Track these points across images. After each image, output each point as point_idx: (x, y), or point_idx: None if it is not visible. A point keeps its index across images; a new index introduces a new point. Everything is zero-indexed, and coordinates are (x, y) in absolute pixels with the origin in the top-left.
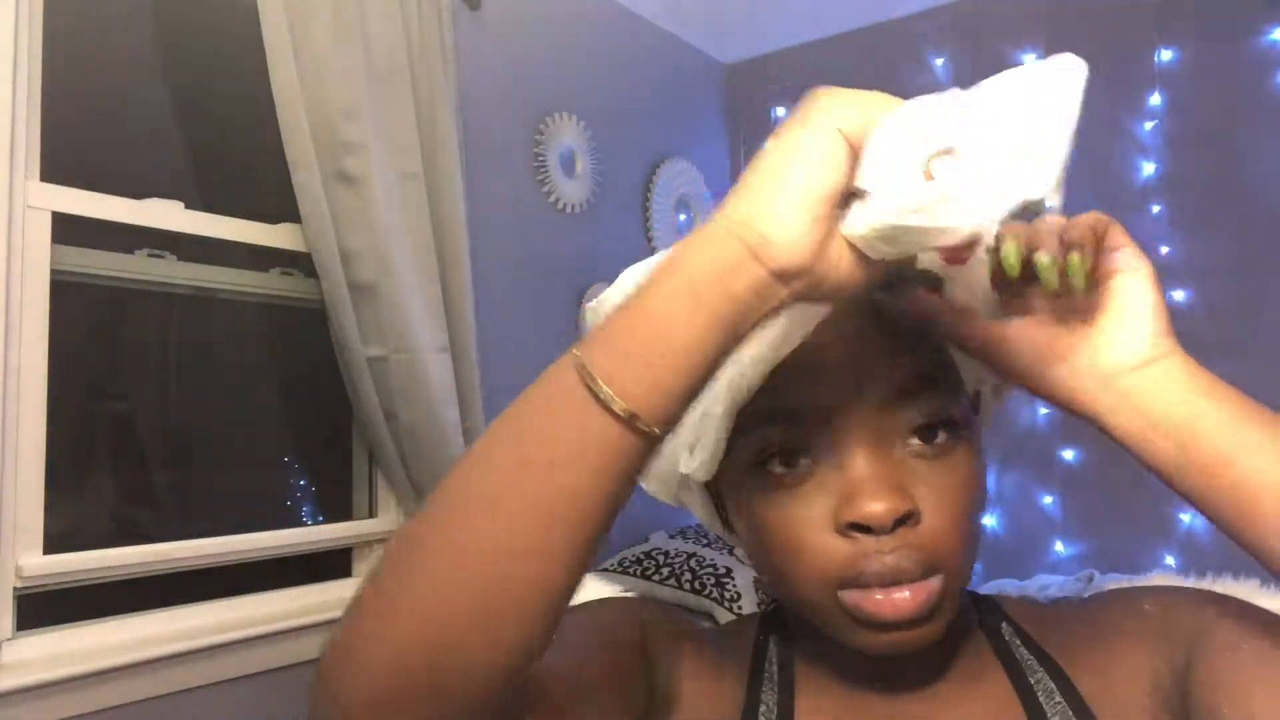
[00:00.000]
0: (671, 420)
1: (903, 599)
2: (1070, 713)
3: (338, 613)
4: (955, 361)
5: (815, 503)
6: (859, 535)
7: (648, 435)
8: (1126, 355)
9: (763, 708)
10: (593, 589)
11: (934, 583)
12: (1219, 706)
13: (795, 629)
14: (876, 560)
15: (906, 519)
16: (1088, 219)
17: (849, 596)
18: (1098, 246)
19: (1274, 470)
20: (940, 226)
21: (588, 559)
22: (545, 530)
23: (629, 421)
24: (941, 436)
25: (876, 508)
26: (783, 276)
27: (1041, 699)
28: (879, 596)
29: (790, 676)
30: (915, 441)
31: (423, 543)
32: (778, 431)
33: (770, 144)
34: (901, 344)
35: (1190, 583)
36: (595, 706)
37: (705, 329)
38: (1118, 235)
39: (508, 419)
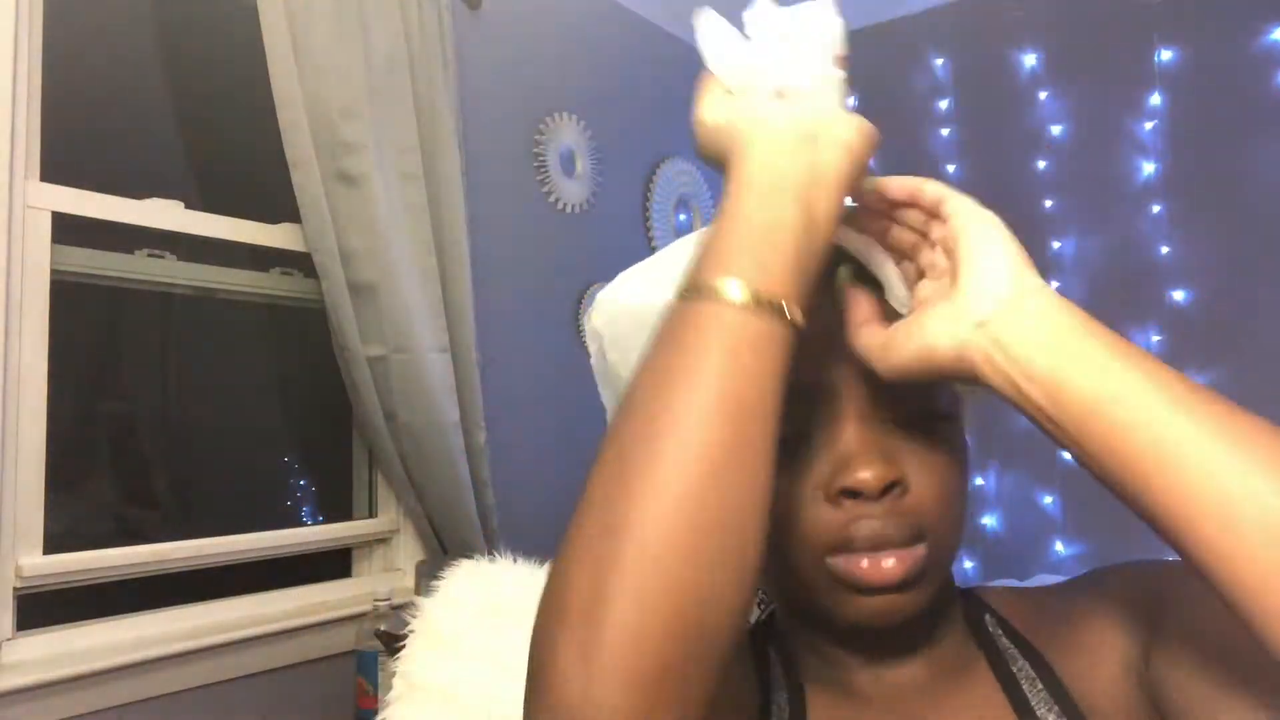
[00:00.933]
0: (806, 300)
1: (889, 565)
2: (1050, 698)
3: (338, 613)
4: None
5: (807, 475)
6: (849, 501)
7: (793, 323)
8: (989, 302)
9: (774, 707)
10: None
11: (919, 549)
12: (1185, 702)
13: (790, 631)
14: (866, 525)
15: (894, 486)
16: (908, 200)
17: (837, 562)
18: (930, 224)
19: (1146, 416)
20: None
21: (774, 459)
22: (744, 427)
23: (778, 311)
24: (929, 420)
25: (866, 474)
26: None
27: (1024, 686)
28: (865, 563)
29: (796, 678)
30: (905, 423)
31: (629, 484)
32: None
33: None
34: None
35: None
36: None
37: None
38: (944, 202)
39: (652, 369)
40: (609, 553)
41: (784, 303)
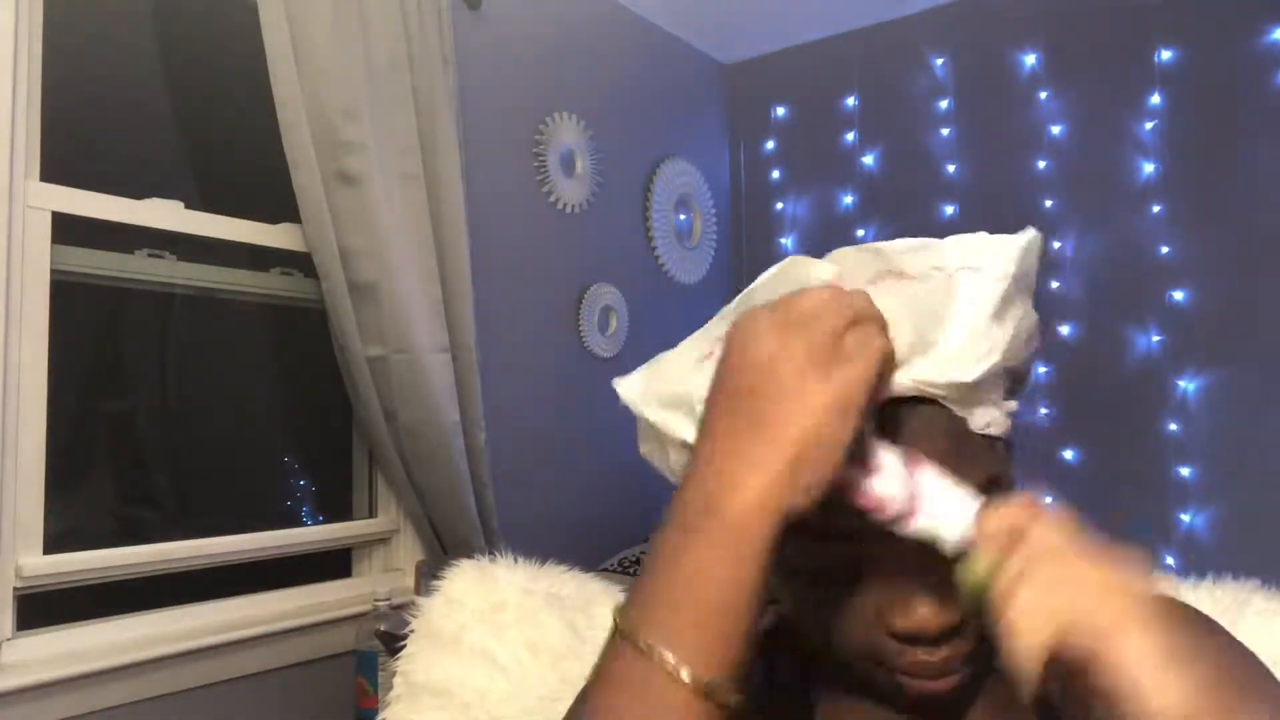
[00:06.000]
0: (743, 673)
1: (934, 685)
2: None
3: (338, 613)
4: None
5: (865, 604)
6: (907, 644)
7: (726, 704)
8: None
9: None
10: (595, 589)
11: (968, 671)
12: None
13: (808, 655)
14: (923, 662)
15: (953, 634)
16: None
17: (887, 675)
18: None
19: None
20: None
21: None
22: None
23: (708, 694)
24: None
25: (927, 623)
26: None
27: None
28: (914, 683)
29: (807, 697)
30: None
31: None
32: (833, 548)
33: None
34: (968, 456)
35: (1189, 584)
36: None
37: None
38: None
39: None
40: None
41: (728, 690)
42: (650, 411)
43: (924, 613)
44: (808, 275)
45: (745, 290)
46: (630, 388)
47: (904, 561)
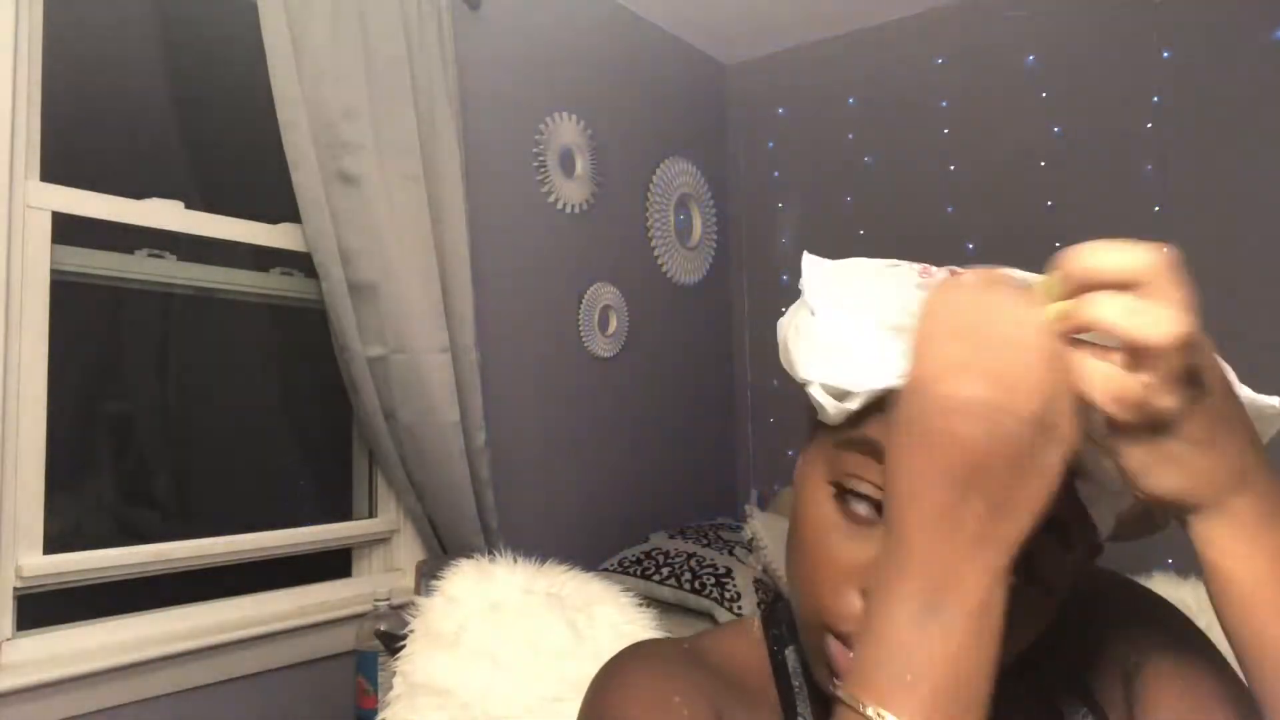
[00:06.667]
0: None
1: None
2: (1079, 700)
3: (338, 613)
4: (1089, 516)
5: (863, 554)
6: None
7: None
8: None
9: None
10: (596, 589)
11: None
12: None
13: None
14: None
15: None
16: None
17: (832, 645)
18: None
19: None
20: None
21: None
22: None
23: None
24: (1035, 584)
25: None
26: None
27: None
28: (852, 655)
29: (819, 688)
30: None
31: None
32: (875, 469)
33: None
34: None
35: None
36: None
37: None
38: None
39: None
40: None
41: None
42: (859, 325)
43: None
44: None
45: (825, 278)
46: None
47: None
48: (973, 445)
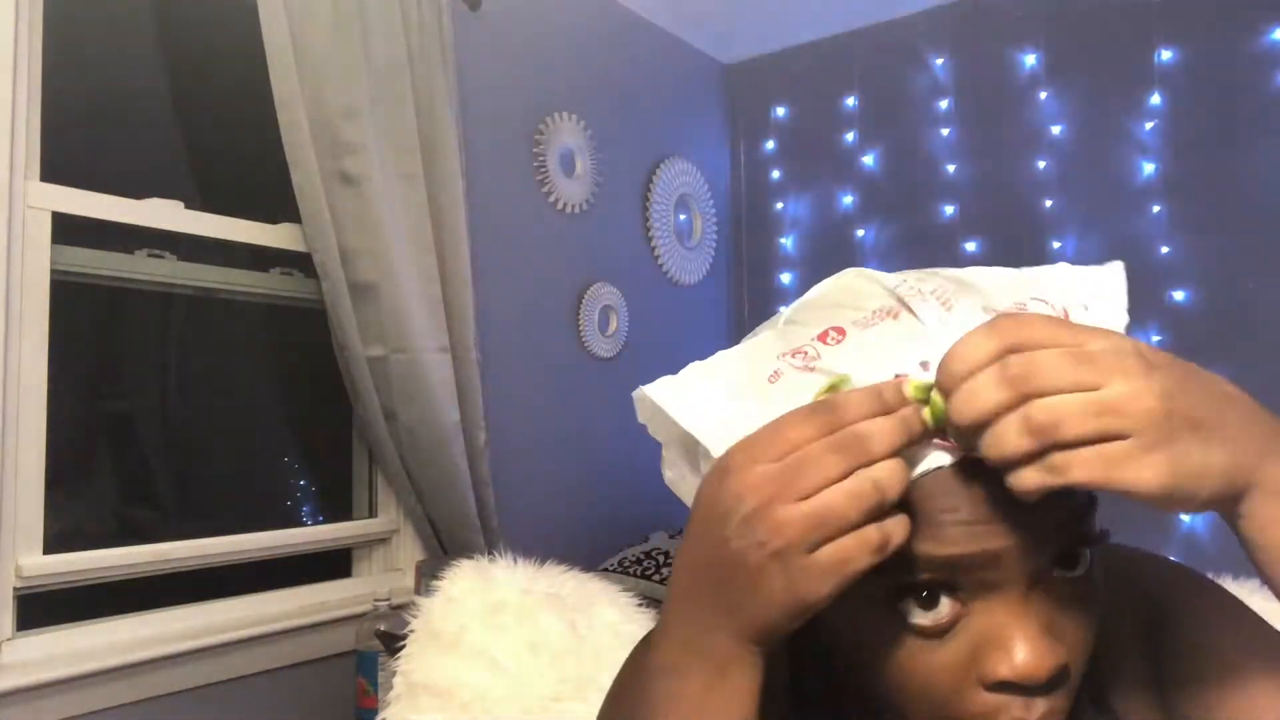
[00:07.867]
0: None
1: None
2: (1087, 697)
3: (338, 613)
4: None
5: (957, 651)
6: (1007, 693)
7: None
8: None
9: None
10: (596, 589)
11: (1061, 699)
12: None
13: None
14: (1019, 710)
15: (1060, 679)
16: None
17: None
18: None
19: None
20: None
21: None
22: None
23: None
24: (1081, 564)
25: (1033, 667)
26: None
27: None
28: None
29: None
30: (1059, 571)
31: None
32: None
33: None
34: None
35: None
36: None
37: None
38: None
39: None
40: None
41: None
42: (702, 423)
43: (1029, 656)
44: (869, 290)
45: (800, 300)
46: (667, 394)
47: (998, 597)
48: (695, 554)
